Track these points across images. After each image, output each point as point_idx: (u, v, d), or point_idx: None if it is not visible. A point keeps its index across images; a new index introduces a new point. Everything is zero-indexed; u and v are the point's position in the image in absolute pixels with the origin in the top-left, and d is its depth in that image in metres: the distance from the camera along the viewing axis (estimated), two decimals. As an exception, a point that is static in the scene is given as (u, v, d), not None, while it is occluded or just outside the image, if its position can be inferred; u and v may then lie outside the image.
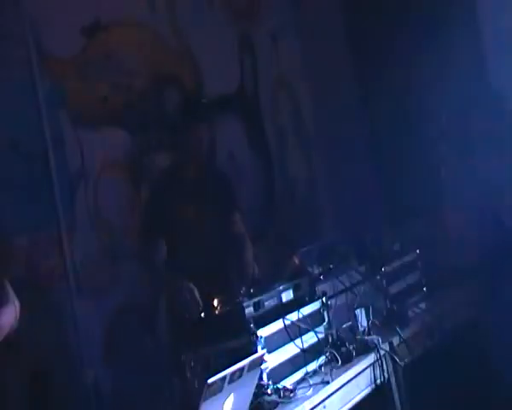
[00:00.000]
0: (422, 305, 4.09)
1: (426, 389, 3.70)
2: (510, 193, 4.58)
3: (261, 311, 3.26)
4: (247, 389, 2.79)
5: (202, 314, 3.46)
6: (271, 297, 3.36)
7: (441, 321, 3.98)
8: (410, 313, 3.93)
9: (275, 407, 3.00)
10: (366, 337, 3.53)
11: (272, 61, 5.69)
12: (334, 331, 3.46)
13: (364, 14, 5.69)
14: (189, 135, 3.88)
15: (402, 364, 3.54)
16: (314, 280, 3.58)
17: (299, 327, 3.29)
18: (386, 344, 3.54)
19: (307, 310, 3.37)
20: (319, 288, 3.53)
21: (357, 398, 3.34)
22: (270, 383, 3.05)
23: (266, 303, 3.31)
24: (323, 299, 3.47)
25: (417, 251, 4.27)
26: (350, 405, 3.29)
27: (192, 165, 3.93)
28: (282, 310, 3.31)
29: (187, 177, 3.91)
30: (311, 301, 3.44)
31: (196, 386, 2.95)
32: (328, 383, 3.18)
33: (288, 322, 3.24)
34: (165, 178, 3.99)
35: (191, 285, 3.59)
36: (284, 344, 3.22)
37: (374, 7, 5.58)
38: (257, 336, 3.06)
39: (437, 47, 5.18)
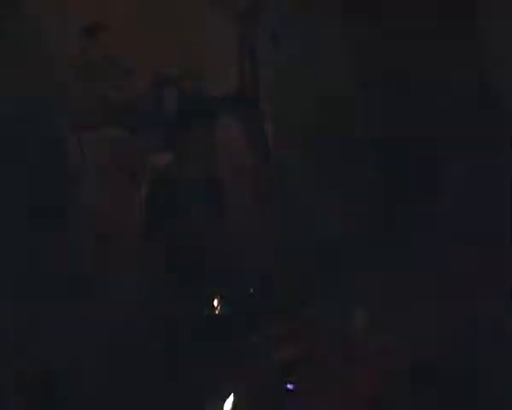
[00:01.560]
0: (422, 305, 4.08)
1: (426, 388, 3.70)
2: (510, 193, 4.59)
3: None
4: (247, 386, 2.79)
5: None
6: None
7: (441, 321, 3.98)
8: (409, 313, 3.93)
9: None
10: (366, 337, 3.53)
11: (272, 61, 5.69)
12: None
13: (365, 14, 5.69)
14: (189, 135, 3.87)
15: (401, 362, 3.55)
16: (315, 280, 3.58)
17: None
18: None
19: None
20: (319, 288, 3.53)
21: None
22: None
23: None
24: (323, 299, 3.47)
25: (416, 251, 4.26)
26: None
27: (191, 165, 3.93)
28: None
29: (186, 177, 3.91)
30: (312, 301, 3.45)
31: (198, 386, 2.95)
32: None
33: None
34: (165, 179, 3.98)
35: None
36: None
37: (374, 7, 5.59)
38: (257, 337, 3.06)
39: (437, 47, 5.19)
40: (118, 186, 4.37)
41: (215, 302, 3.44)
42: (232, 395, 2.65)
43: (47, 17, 4.04)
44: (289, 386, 3.09)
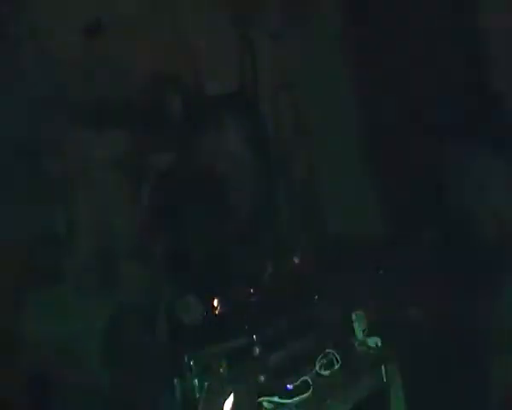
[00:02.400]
0: (422, 305, 4.09)
1: (426, 389, 3.70)
2: (510, 193, 4.59)
3: (261, 311, 3.27)
4: (248, 389, 2.79)
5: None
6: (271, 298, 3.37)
7: (441, 321, 3.99)
8: (410, 313, 3.93)
9: (275, 408, 3.01)
10: (366, 338, 3.53)
11: (272, 61, 5.69)
12: (334, 332, 3.47)
13: (364, 14, 5.69)
14: (190, 135, 3.88)
15: (402, 364, 3.55)
16: (314, 280, 3.58)
17: (300, 327, 3.29)
18: (386, 344, 3.54)
19: (307, 310, 3.38)
20: (319, 288, 3.54)
21: (357, 398, 3.35)
22: (270, 382, 3.06)
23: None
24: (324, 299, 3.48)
25: (417, 251, 4.27)
26: (350, 405, 3.29)
27: (194, 165, 3.93)
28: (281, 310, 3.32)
29: (188, 177, 3.91)
30: (312, 300, 3.45)
31: (196, 386, 2.95)
32: (327, 383, 3.18)
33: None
34: (167, 179, 3.98)
35: (192, 299, 3.59)
36: (284, 345, 3.22)
37: (374, 6, 5.58)
38: (257, 337, 3.07)
39: (438, 47, 5.19)
40: (118, 186, 4.37)
41: (215, 302, 3.44)
42: (232, 394, 2.65)
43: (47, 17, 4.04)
44: (289, 386, 3.10)
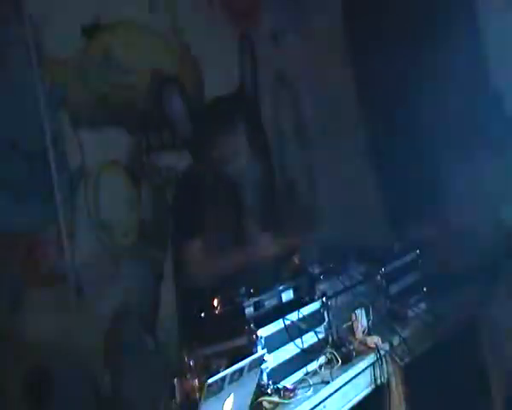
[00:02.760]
0: (422, 305, 4.09)
1: (426, 389, 3.70)
2: (510, 193, 4.59)
3: (261, 311, 3.26)
4: (247, 389, 2.79)
5: (202, 314, 3.46)
6: (271, 297, 3.36)
7: (441, 321, 3.98)
8: (410, 313, 3.92)
9: (275, 407, 3.00)
10: (366, 337, 3.52)
11: (272, 61, 5.70)
12: (334, 331, 3.46)
13: (364, 14, 5.70)
14: (190, 136, 3.87)
15: (402, 364, 3.54)
16: (314, 280, 3.57)
17: (299, 327, 3.28)
18: (387, 344, 3.53)
19: (307, 310, 3.37)
20: (319, 288, 3.52)
21: (357, 398, 3.34)
22: (270, 383, 3.05)
23: (266, 303, 3.31)
24: (323, 299, 3.46)
25: (417, 251, 4.26)
26: (350, 405, 3.28)
27: (208, 167, 3.92)
28: (282, 310, 3.31)
29: (209, 179, 3.89)
30: (311, 301, 3.44)
31: (196, 386, 2.95)
32: (328, 383, 3.17)
33: (288, 322, 3.23)
34: (191, 180, 3.95)
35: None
36: (284, 344, 3.22)
37: (374, 7, 5.59)
38: (257, 336, 3.06)
39: (437, 47, 5.19)
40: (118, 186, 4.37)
41: (215, 302, 3.43)
42: (232, 394, 2.64)
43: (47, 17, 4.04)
44: (289, 386, 3.09)
